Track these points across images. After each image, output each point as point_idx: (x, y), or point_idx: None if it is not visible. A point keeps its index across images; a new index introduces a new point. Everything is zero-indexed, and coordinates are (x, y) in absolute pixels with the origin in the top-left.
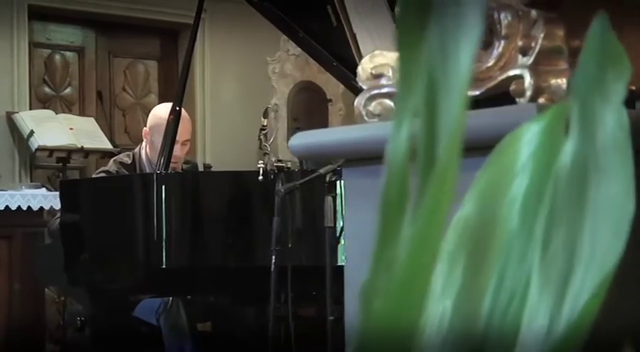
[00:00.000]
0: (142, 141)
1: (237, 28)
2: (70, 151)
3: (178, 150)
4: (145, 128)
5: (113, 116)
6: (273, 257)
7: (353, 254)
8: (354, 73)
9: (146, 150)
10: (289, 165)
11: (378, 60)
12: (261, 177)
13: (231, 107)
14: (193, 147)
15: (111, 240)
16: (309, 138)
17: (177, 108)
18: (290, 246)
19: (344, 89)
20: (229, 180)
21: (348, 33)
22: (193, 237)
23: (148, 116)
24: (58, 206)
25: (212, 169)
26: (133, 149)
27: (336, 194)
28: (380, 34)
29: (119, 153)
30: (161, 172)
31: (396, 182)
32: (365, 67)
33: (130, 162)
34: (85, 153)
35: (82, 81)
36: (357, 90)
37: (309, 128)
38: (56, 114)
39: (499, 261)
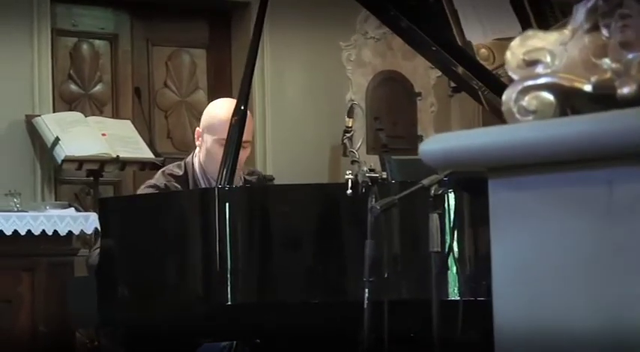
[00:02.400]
0: (194, 148)
1: (303, 5)
2: (102, 162)
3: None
4: (197, 129)
5: (153, 118)
6: (367, 290)
7: (502, 287)
8: (457, 58)
9: (199, 158)
10: (384, 175)
11: (532, 43)
12: (349, 191)
13: (297, 104)
14: (251, 154)
15: (162, 270)
16: (449, 142)
17: (243, 108)
18: (386, 275)
19: (436, 80)
20: (310, 195)
21: (447, 10)
22: (265, 267)
23: (194, 117)
24: (89, 229)
25: (274, 182)
26: (184, 158)
27: (443, 210)
28: (489, 11)
29: (162, 163)
30: (224, 186)
31: None
32: (515, 53)
33: (181, 173)
34: (122, 164)
35: (116, 75)
36: (460, 80)
37: (393, 129)
38: (85, 116)
39: None
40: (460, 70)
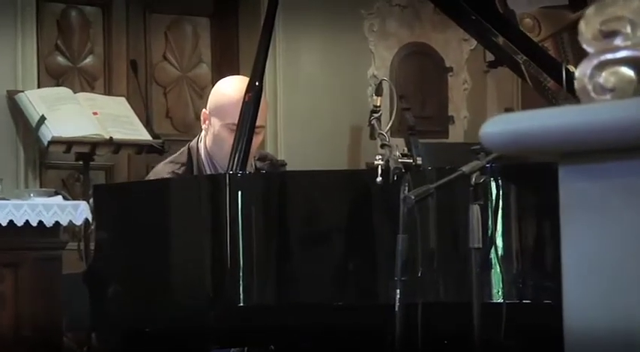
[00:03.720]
0: (196, 129)
1: None
2: (94, 144)
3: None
4: (204, 110)
5: (151, 95)
6: (398, 291)
7: (575, 287)
8: (498, 28)
9: (205, 143)
10: (419, 161)
11: (610, 11)
12: (379, 178)
13: (313, 81)
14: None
15: (165, 267)
16: (518, 123)
17: (258, 84)
18: (420, 274)
19: (470, 53)
20: (334, 182)
21: None
22: (283, 264)
23: (197, 94)
24: (79, 220)
25: (287, 168)
26: (188, 142)
27: (485, 201)
28: None
29: (161, 146)
30: (235, 172)
31: None
32: (590, 22)
33: (184, 161)
34: (115, 146)
35: (109, 47)
36: (500, 52)
37: (421, 108)
38: (74, 93)
39: None
40: (501, 40)
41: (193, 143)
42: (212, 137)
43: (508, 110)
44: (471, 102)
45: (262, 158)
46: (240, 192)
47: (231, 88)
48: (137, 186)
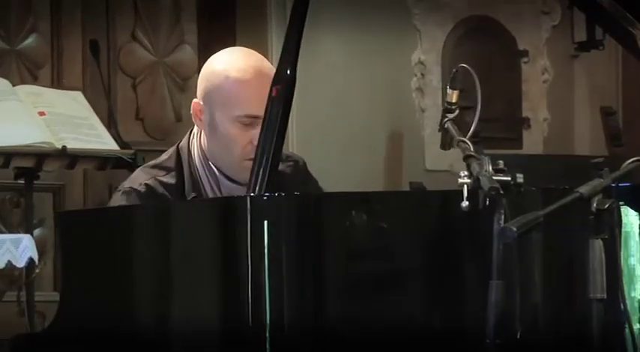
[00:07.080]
0: (180, 136)
1: None
2: (41, 156)
3: None
4: (194, 100)
5: (115, 88)
6: None
7: None
8: None
9: (200, 142)
10: (520, 180)
11: None
12: (465, 203)
13: (338, 70)
14: None
15: (158, 324)
16: None
17: (289, 73)
18: (520, 335)
19: (551, 31)
20: (397, 208)
21: None
22: (325, 320)
23: (178, 87)
24: (21, 261)
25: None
26: (177, 142)
27: (611, 235)
28: None
29: (132, 158)
30: (260, 195)
31: None
32: None
33: (172, 166)
34: (70, 158)
35: (58, 23)
36: (611, 25)
37: (486, 107)
38: (12, 85)
39: None
40: (610, 7)
41: (183, 142)
42: (214, 136)
43: (605, 110)
44: (552, 99)
45: (284, 158)
46: (266, 222)
47: (236, 64)
48: (120, 213)
